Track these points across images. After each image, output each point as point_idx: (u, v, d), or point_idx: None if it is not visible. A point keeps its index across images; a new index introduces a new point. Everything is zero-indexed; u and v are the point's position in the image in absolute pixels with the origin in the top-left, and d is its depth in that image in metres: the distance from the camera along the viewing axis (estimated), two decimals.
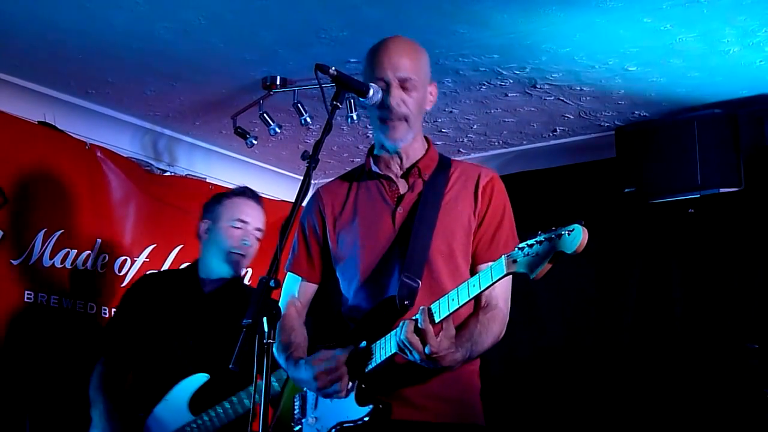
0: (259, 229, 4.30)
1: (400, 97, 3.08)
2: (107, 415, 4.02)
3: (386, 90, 3.08)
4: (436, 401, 2.99)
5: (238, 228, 4.24)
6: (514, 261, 2.64)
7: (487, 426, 3.12)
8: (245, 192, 4.40)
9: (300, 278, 3.31)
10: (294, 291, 3.31)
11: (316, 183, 4.74)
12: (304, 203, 3.12)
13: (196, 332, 4.13)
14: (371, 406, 2.91)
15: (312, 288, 3.33)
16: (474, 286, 2.75)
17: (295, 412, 3.17)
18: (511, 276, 2.74)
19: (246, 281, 3.57)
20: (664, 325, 5.55)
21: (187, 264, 4.50)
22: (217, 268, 4.25)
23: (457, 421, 3.03)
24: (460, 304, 2.76)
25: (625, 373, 5.58)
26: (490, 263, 2.81)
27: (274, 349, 2.62)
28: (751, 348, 5.08)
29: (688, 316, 5.47)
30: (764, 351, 5.03)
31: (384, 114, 3.09)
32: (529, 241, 2.61)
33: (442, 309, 2.77)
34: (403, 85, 3.09)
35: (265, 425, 2.52)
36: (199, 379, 4.01)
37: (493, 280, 2.71)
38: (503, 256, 2.69)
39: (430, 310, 2.76)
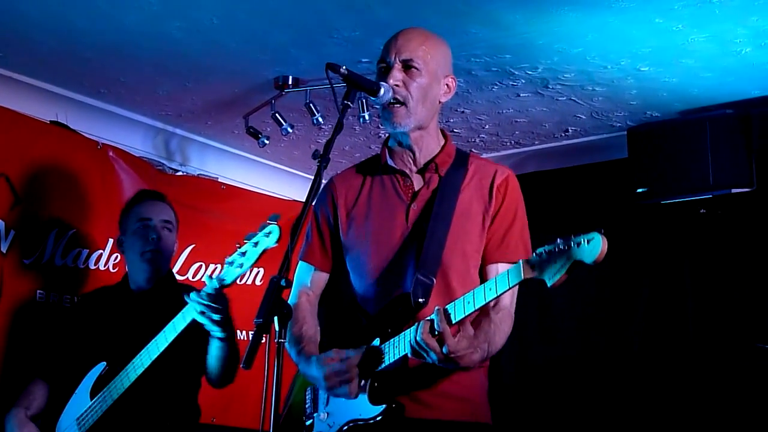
0: (165, 221, 4.28)
1: (398, 78, 3.03)
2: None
3: (387, 72, 3.05)
4: (446, 399, 2.98)
5: (143, 227, 4.24)
6: (532, 267, 2.60)
7: (494, 426, 3.11)
8: (142, 194, 4.43)
9: (313, 267, 3.28)
10: (306, 281, 3.28)
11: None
12: (314, 203, 3.10)
13: (129, 334, 4.12)
14: (384, 406, 2.90)
15: (324, 277, 3.30)
16: (490, 290, 2.72)
17: (307, 405, 3.15)
18: None
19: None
20: (676, 325, 5.55)
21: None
22: (138, 273, 4.26)
23: (467, 420, 3.02)
24: (476, 308, 2.74)
25: (637, 374, 5.58)
26: (501, 265, 2.86)
27: (285, 343, 2.61)
28: (763, 349, 5.07)
29: (700, 316, 5.47)
30: None
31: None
32: (547, 248, 2.57)
33: (457, 310, 2.75)
34: (406, 67, 3.04)
35: (276, 421, 2.53)
36: (98, 368, 4.01)
37: (510, 286, 2.68)
38: (521, 261, 2.65)
39: (446, 310, 2.74)
